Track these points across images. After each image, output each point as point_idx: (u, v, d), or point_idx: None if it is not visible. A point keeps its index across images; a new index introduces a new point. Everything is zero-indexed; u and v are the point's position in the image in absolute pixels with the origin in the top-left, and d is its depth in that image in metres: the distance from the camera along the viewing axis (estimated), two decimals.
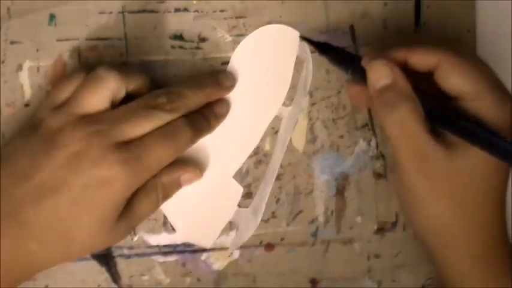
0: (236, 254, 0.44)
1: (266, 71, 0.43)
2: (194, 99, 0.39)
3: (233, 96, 0.42)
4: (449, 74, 0.36)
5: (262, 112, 0.43)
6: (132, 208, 0.38)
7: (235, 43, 0.43)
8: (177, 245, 0.44)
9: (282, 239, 0.44)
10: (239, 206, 0.43)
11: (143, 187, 0.38)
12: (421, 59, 0.37)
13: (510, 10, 0.45)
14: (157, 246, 0.44)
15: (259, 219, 0.44)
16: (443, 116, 0.36)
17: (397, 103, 0.35)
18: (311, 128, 0.44)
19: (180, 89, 0.39)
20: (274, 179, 0.44)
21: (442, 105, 0.37)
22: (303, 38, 0.42)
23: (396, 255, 0.45)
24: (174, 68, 0.42)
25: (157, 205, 0.40)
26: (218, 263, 0.44)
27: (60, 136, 0.36)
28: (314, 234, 0.44)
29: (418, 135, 0.35)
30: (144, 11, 0.42)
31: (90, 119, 0.37)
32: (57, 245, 0.37)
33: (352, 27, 0.43)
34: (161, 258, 0.44)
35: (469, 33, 0.44)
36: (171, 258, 0.44)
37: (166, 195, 0.40)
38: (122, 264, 0.44)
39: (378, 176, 0.44)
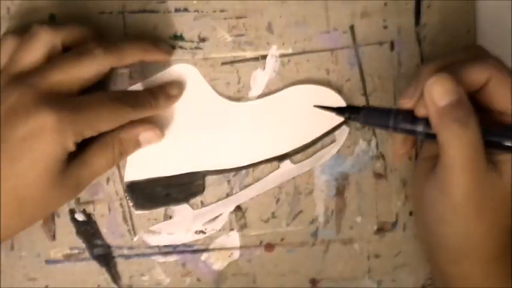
0: (236, 254, 0.44)
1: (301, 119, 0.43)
2: (128, 50, 0.39)
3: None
4: (499, 89, 0.35)
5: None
6: (85, 160, 0.38)
7: (235, 43, 0.43)
8: (177, 245, 0.44)
9: (282, 239, 0.44)
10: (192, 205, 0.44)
11: (99, 140, 0.39)
12: (474, 75, 0.36)
13: (510, 10, 0.45)
14: (157, 246, 0.44)
15: (195, 229, 0.44)
16: (495, 134, 0.35)
17: (469, 120, 0.34)
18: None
19: (116, 39, 0.39)
20: (234, 206, 0.44)
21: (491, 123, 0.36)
22: (322, 107, 0.42)
23: (396, 255, 0.45)
24: None
25: (113, 160, 0.40)
26: (218, 263, 0.44)
27: None
28: (314, 234, 0.44)
29: (479, 154, 0.34)
30: (144, 11, 0.42)
31: (23, 73, 0.37)
32: (10, 207, 0.36)
33: (352, 27, 0.43)
34: (161, 258, 0.44)
35: (469, 33, 0.44)
36: (171, 258, 0.44)
37: (124, 151, 0.40)
38: (122, 265, 0.44)
39: (378, 176, 0.44)
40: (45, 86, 0.36)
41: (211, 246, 0.44)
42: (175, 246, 0.44)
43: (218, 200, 0.44)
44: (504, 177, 0.35)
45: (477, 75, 0.36)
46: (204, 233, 0.44)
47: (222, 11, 0.42)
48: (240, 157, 0.43)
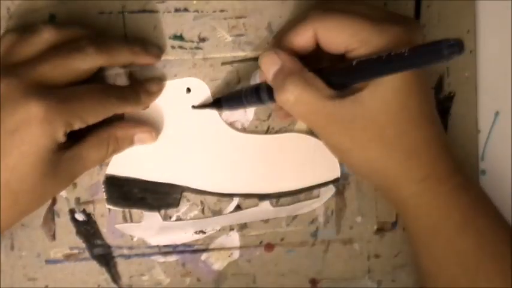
0: (236, 254, 0.44)
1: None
2: (119, 51, 0.39)
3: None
4: (325, 38, 0.36)
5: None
6: (80, 153, 0.38)
7: (235, 43, 0.43)
8: (177, 245, 0.44)
9: (282, 239, 0.44)
10: (163, 216, 0.43)
11: (95, 135, 0.39)
12: (302, 40, 0.37)
13: (510, 10, 0.45)
14: (157, 246, 0.44)
15: (157, 242, 0.43)
16: (341, 72, 0.36)
17: (286, 83, 0.36)
18: (311, 128, 0.44)
19: (106, 38, 0.40)
20: (201, 229, 0.44)
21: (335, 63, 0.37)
22: (197, 106, 0.42)
23: (396, 255, 0.45)
24: (174, 68, 0.42)
25: (105, 156, 0.40)
26: (218, 263, 0.44)
27: None
28: (314, 234, 0.44)
29: (320, 102, 0.36)
30: (144, 11, 0.42)
31: (15, 65, 0.37)
32: (4, 201, 0.36)
33: None
34: (161, 258, 0.44)
35: (469, 33, 0.44)
36: (171, 258, 0.44)
37: (117, 149, 0.41)
38: (122, 264, 0.44)
39: None
40: (33, 77, 0.36)
41: (211, 246, 0.44)
42: (175, 246, 0.44)
43: (189, 219, 0.44)
44: (364, 104, 0.36)
45: (303, 35, 0.37)
46: (204, 232, 0.44)
47: (222, 11, 0.43)
48: (223, 184, 0.43)
